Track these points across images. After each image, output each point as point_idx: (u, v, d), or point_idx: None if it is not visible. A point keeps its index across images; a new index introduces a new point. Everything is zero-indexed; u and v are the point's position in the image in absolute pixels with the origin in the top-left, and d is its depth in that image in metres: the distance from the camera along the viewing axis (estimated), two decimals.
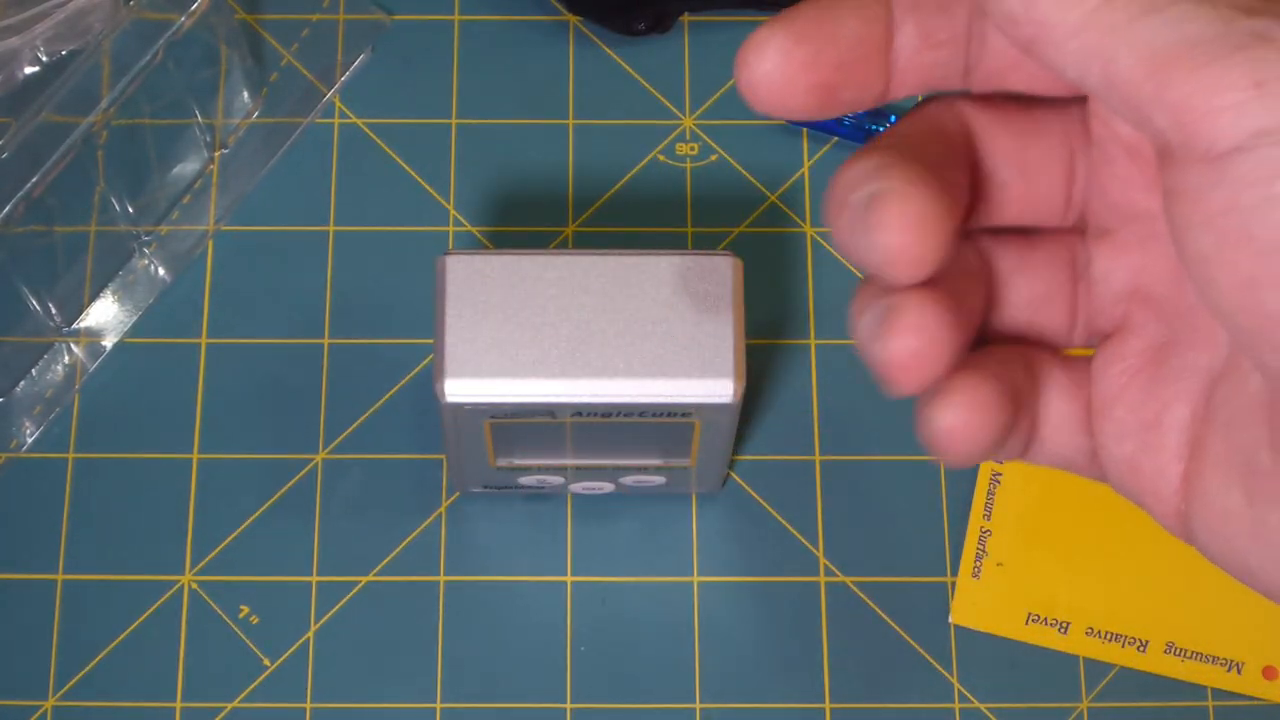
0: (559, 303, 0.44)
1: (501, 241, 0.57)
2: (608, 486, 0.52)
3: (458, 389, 0.43)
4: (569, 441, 0.47)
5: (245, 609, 0.53)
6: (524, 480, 0.51)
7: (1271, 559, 0.25)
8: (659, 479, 0.51)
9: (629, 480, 0.51)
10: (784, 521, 0.54)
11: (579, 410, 0.44)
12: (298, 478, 0.54)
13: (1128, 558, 0.54)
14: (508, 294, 0.44)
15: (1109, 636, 0.53)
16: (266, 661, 0.52)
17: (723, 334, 0.43)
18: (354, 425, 0.54)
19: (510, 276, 0.44)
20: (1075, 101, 0.28)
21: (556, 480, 0.51)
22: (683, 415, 0.45)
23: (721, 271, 0.44)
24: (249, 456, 0.54)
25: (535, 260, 0.44)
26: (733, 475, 0.54)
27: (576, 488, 0.52)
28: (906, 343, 0.27)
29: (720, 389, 0.44)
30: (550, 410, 0.44)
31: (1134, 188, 0.27)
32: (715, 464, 0.50)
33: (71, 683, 0.52)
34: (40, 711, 0.51)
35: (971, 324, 0.28)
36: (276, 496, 0.54)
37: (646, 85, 0.59)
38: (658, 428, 0.46)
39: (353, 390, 0.55)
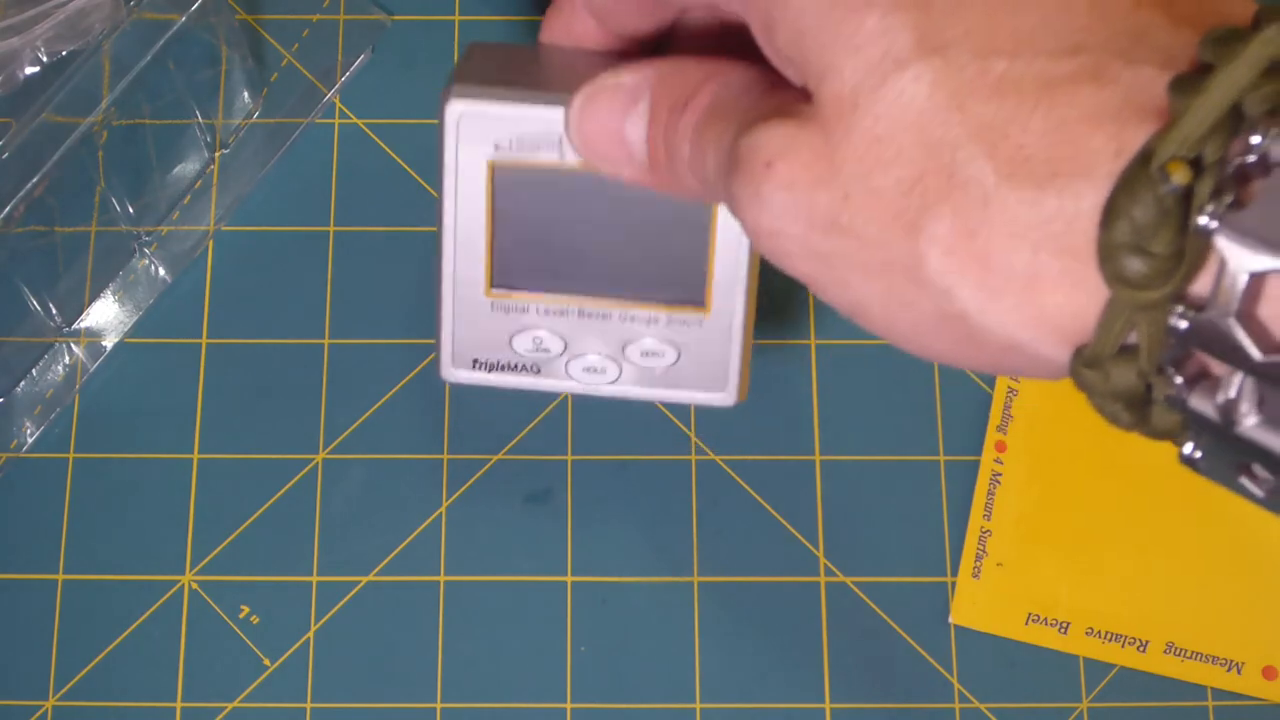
0: (570, 67, 0.41)
1: None
2: (612, 369, 0.45)
3: (465, 100, 0.40)
4: (573, 261, 0.43)
5: (245, 609, 0.53)
6: (519, 343, 0.45)
7: None
8: (668, 352, 0.45)
9: (636, 353, 0.45)
10: (784, 521, 0.54)
11: None
12: (298, 478, 0.54)
13: (1128, 558, 0.54)
14: (517, 62, 0.42)
15: (1109, 636, 0.53)
16: (266, 661, 0.52)
17: None
18: (354, 425, 0.54)
19: (521, 53, 0.43)
20: None
21: (555, 345, 0.45)
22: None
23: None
24: (249, 456, 0.54)
25: (548, 49, 0.42)
26: (732, 474, 0.54)
27: (576, 367, 0.46)
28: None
29: None
30: (559, 137, 0.40)
31: None
32: (733, 329, 0.44)
33: (71, 683, 0.52)
34: (40, 711, 0.51)
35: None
36: (276, 496, 0.54)
37: None
38: (670, 237, 0.43)
39: (353, 390, 0.55)
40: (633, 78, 0.36)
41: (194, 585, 0.53)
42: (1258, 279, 0.26)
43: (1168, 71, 0.27)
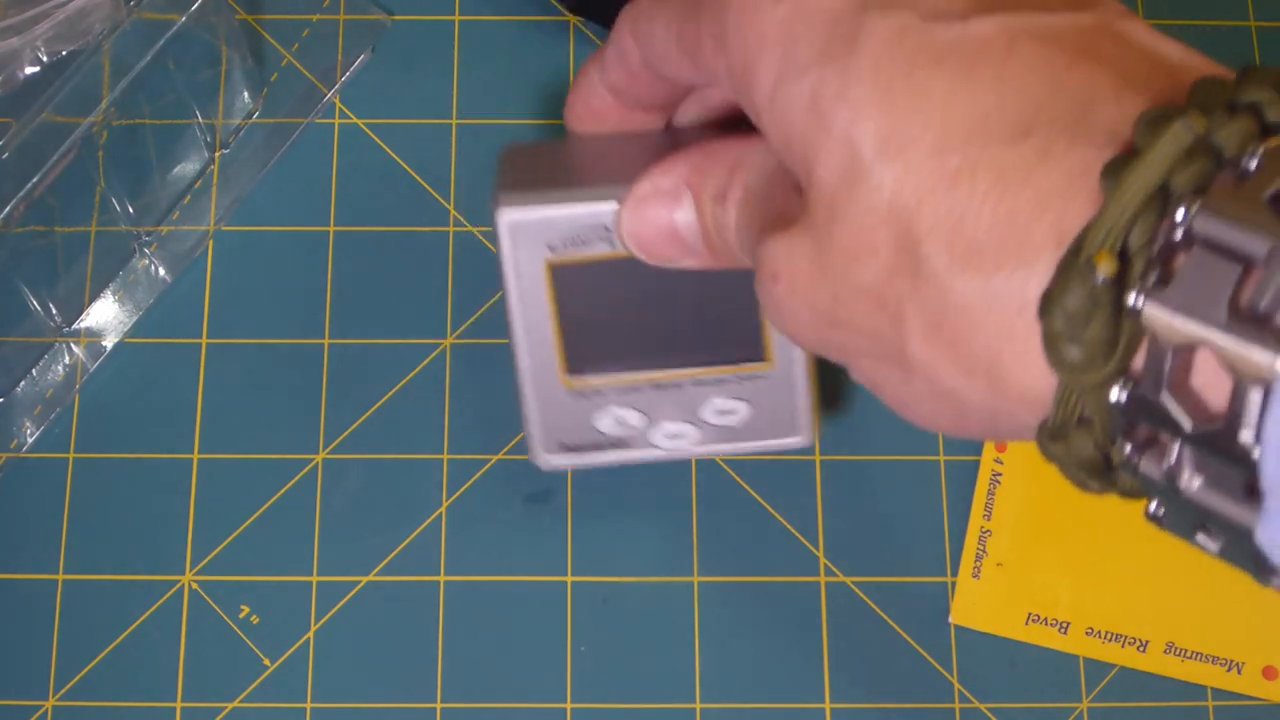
0: (610, 158, 0.43)
1: None
2: (692, 432, 0.48)
3: (515, 207, 0.43)
4: (638, 338, 0.46)
5: (245, 609, 0.53)
6: (602, 424, 0.47)
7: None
8: (741, 408, 0.47)
9: (711, 413, 0.47)
10: (784, 521, 0.54)
11: None
12: (298, 478, 0.54)
13: (1128, 558, 0.54)
14: (560, 158, 0.44)
15: (1109, 636, 0.53)
16: (266, 661, 0.52)
17: None
18: (354, 425, 0.54)
19: (562, 147, 0.45)
20: None
21: (638, 421, 0.47)
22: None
23: None
24: (249, 456, 0.54)
25: (584, 139, 0.44)
26: (732, 475, 0.54)
27: (659, 437, 0.48)
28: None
29: None
30: (606, 226, 0.43)
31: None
32: (797, 378, 0.47)
33: (71, 683, 0.52)
34: (40, 711, 0.51)
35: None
36: (276, 496, 0.54)
37: None
38: (721, 301, 0.45)
39: (353, 390, 0.55)
40: (668, 179, 0.39)
41: (194, 585, 0.53)
42: (1185, 350, 0.28)
43: (1106, 151, 0.29)
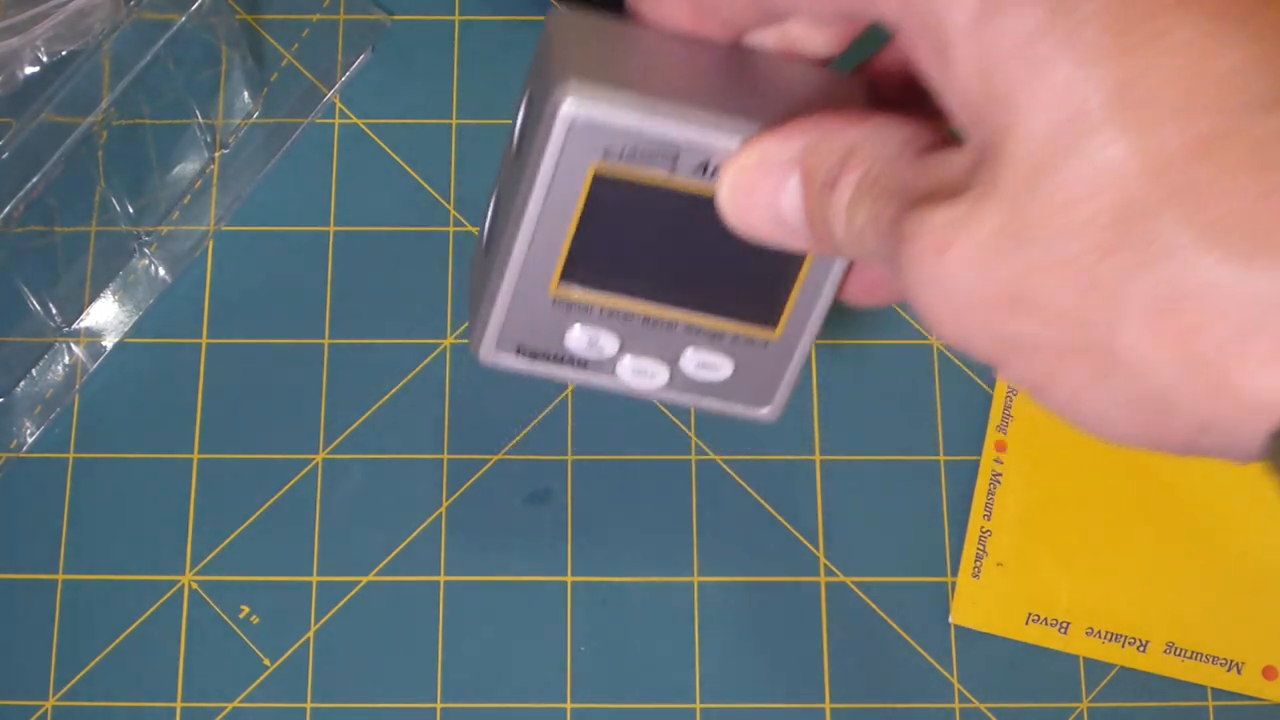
0: (682, 62, 0.38)
1: None
2: (662, 375, 0.43)
3: (584, 96, 0.36)
4: (653, 266, 0.41)
5: (245, 609, 0.53)
6: (571, 341, 0.42)
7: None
8: (725, 365, 0.43)
9: (691, 364, 0.43)
10: (784, 521, 0.54)
11: (707, 162, 0.37)
12: (298, 478, 0.54)
13: (1128, 558, 0.54)
14: (628, 46, 0.38)
15: (1109, 636, 0.53)
16: (266, 661, 0.52)
17: None
18: (354, 425, 0.54)
19: (628, 34, 0.38)
20: None
21: (610, 346, 0.42)
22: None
23: (854, 92, 0.38)
24: (249, 456, 0.54)
25: (651, 31, 0.38)
26: (732, 475, 0.54)
27: (625, 369, 0.43)
28: None
29: None
30: (676, 151, 0.37)
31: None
32: (796, 349, 0.43)
33: (71, 683, 0.52)
34: (40, 711, 0.51)
35: None
36: (276, 496, 0.54)
37: None
38: (768, 250, 0.39)
39: (353, 390, 0.55)
40: (779, 150, 0.34)
41: (194, 585, 0.53)
42: None
43: None
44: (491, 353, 0.42)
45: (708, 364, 0.43)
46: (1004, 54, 0.28)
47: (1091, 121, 0.27)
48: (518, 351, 0.42)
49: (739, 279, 0.41)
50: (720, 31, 0.37)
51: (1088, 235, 0.27)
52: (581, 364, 0.43)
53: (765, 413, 0.44)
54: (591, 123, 0.36)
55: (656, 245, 0.40)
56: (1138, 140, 0.26)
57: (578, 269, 0.40)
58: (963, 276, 0.29)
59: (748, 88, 0.38)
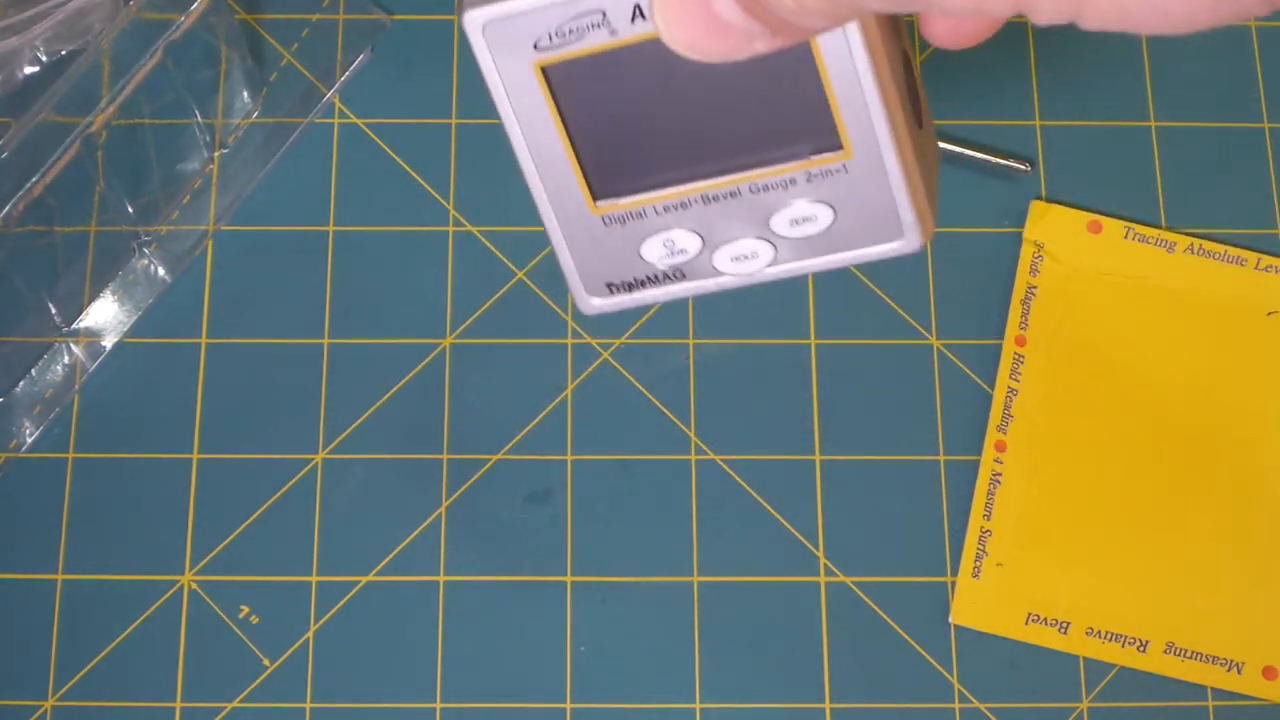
0: None
1: (503, 241, 0.57)
2: (765, 250, 0.39)
3: (479, 6, 0.34)
4: (671, 138, 0.37)
5: (245, 609, 0.53)
6: (649, 251, 0.39)
7: None
8: (821, 212, 0.38)
9: (784, 222, 0.38)
10: (784, 521, 0.54)
11: (637, 4, 0.34)
12: (298, 478, 0.54)
13: (1128, 558, 0.54)
14: None
15: (1109, 636, 0.53)
16: (266, 661, 0.52)
17: None
18: (354, 425, 0.54)
19: None
20: None
21: (692, 243, 0.39)
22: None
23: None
24: (249, 456, 0.54)
25: None
26: (732, 474, 0.54)
27: (723, 261, 0.39)
28: None
29: None
30: (601, 9, 0.34)
31: None
32: (888, 161, 0.38)
33: (71, 683, 0.52)
34: (40, 711, 0.51)
35: None
36: (276, 496, 0.54)
37: None
38: (772, 80, 0.36)
39: (353, 390, 0.55)
40: None
41: (194, 585, 0.53)
42: None
43: None
44: (589, 303, 0.39)
45: (803, 217, 0.38)
46: None
47: None
48: (611, 290, 0.40)
49: (768, 114, 0.37)
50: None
51: None
52: (679, 275, 0.39)
53: (903, 243, 0.38)
54: (500, 21, 0.34)
55: (658, 114, 0.37)
56: None
57: (600, 176, 0.38)
58: None
59: None
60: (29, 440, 0.54)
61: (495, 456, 0.54)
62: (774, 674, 0.52)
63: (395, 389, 0.55)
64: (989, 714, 0.52)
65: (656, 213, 0.38)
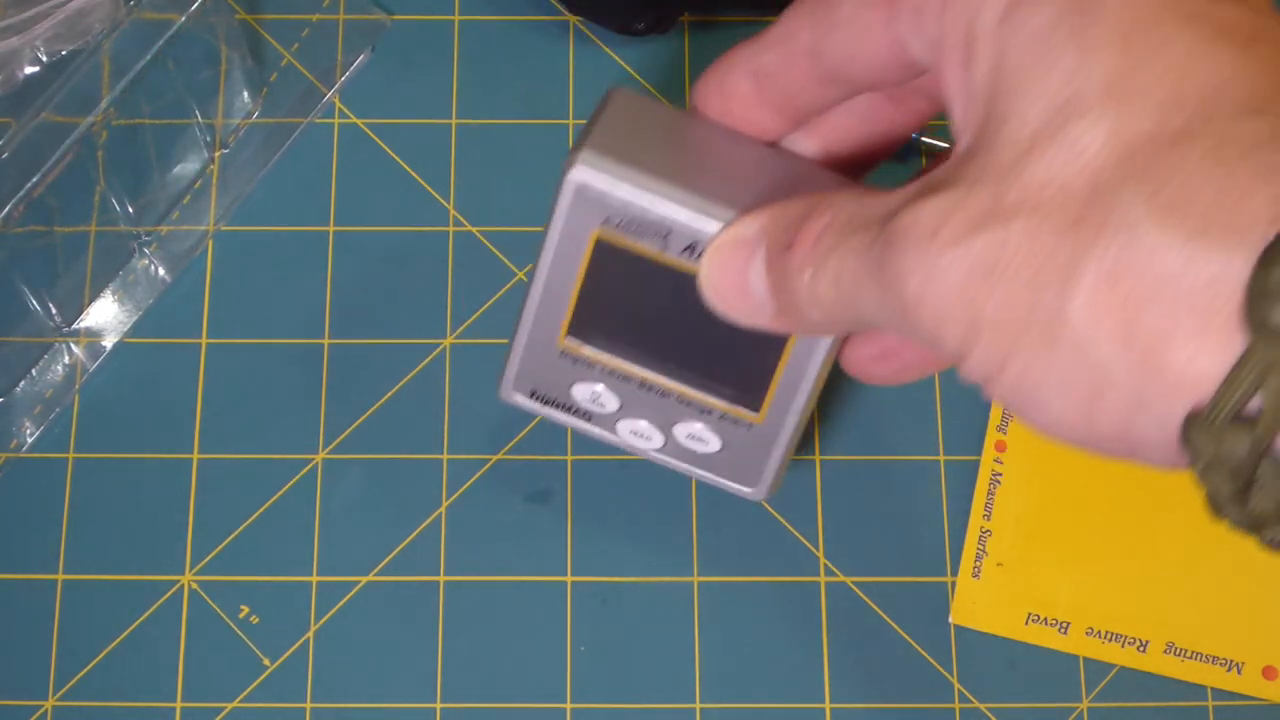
0: (708, 153, 0.41)
1: (503, 241, 0.57)
2: (656, 440, 0.47)
3: (591, 166, 0.40)
4: (649, 334, 0.44)
5: (245, 609, 0.53)
6: (577, 392, 0.46)
7: None
8: (713, 441, 0.46)
9: (682, 433, 0.47)
10: (784, 521, 0.54)
11: (695, 243, 0.41)
12: (298, 478, 0.54)
13: (1128, 558, 0.54)
14: (663, 132, 0.41)
15: (1109, 636, 0.53)
16: (266, 661, 0.52)
17: None
18: (354, 425, 0.54)
19: (671, 121, 0.41)
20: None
21: (611, 403, 0.46)
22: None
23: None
24: (249, 456, 0.54)
25: (699, 121, 0.41)
26: None
27: (624, 429, 0.47)
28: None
29: None
30: (667, 229, 0.40)
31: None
32: (782, 433, 0.46)
33: (71, 683, 0.52)
34: (40, 711, 0.51)
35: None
36: (276, 496, 0.54)
37: (646, 85, 0.59)
38: (750, 335, 0.42)
39: (353, 390, 0.55)
40: (751, 230, 0.37)
41: (194, 585, 0.53)
42: None
43: None
44: (510, 393, 0.47)
45: (697, 436, 0.47)
46: (1020, 43, 0.30)
47: (1081, 106, 0.29)
48: (532, 395, 0.47)
49: (724, 360, 0.45)
50: (778, 118, 0.39)
51: (1057, 209, 0.29)
52: (586, 415, 0.47)
53: (751, 492, 0.47)
54: (594, 191, 0.40)
55: (651, 315, 0.43)
56: (1118, 126, 0.29)
57: (582, 326, 0.44)
58: (951, 253, 0.30)
59: (753, 180, 0.40)
60: (29, 440, 0.54)
61: (495, 456, 0.54)
62: (774, 674, 0.52)
63: (395, 389, 0.55)
64: (989, 714, 0.52)
65: (602, 370, 0.45)
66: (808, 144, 0.41)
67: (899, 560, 0.54)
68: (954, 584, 0.53)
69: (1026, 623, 0.53)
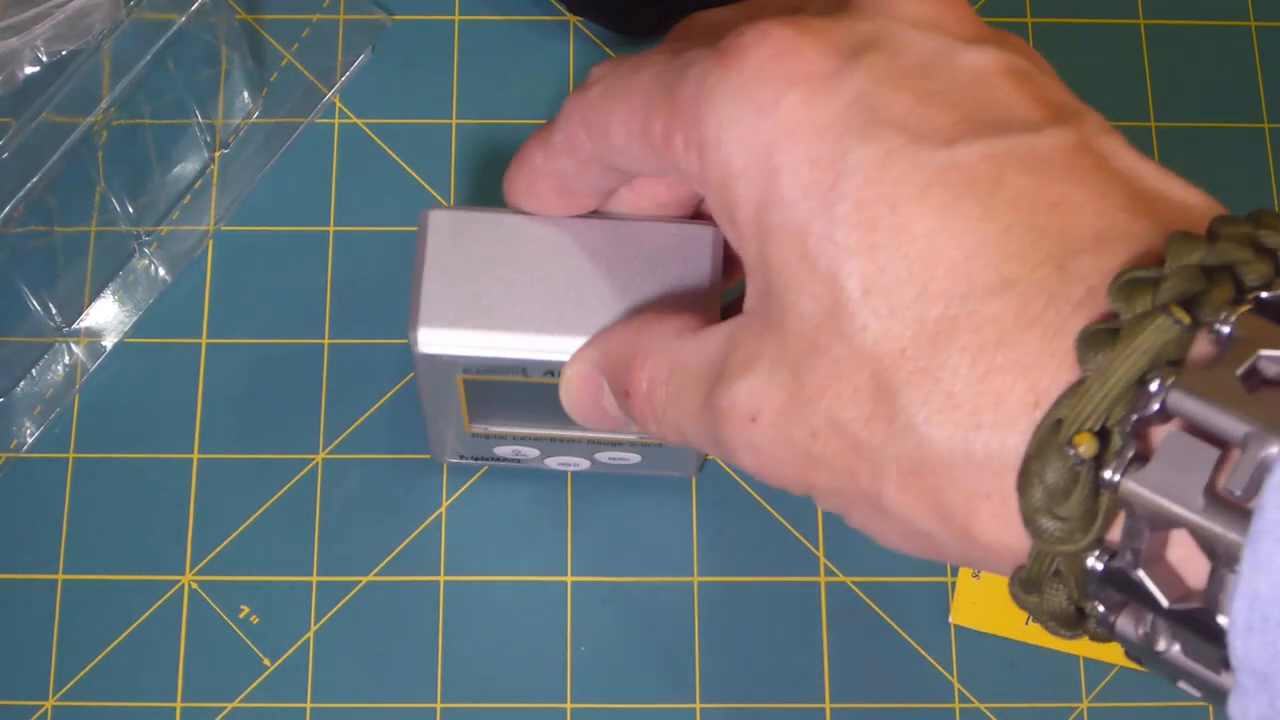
0: (539, 261, 0.43)
1: None
2: (583, 464, 0.52)
3: (431, 339, 0.43)
4: (544, 409, 0.46)
5: (245, 609, 0.53)
6: (499, 450, 0.51)
7: None
8: (634, 456, 0.50)
9: (604, 457, 0.51)
10: (784, 521, 0.54)
11: (550, 369, 0.43)
12: (298, 478, 0.54)
13: None
14: (488, 250, 0.43)
15: None
16: (266, 661, 0.52)
17: (701, 304, 0.43)
18: (354, 425, 0.54)
19: (492, 233, 0.43)
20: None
21: (532, 453, 0.51)
22: None
23: (703, 241, 0.43)
24: (249, 456, 0.54)
25: (518, 219, 0.43)
26: (732, 475, 0.54)
27: (552, 462, 0.52)
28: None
29: None
30: (523, 367, 0.43)
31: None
32: (689, 450, 0.50)
33: (71, 683, 0.52)
34: (40, 711, 0.51)
35: None
36: (276, 496, 0.54)
37: None
38: None
39: (353, 390, 0.55)
40: (588, 366, 0.41)
41: (194, 585, 0.53)
42: (1163, 527, 0.28)
43: (1081, 313, 0.29)
44: (442, 458, 0.53)
45: (619, 459, 0.51)
46: (779, 245, 0.32)
47: (849, 310, 0.31)
48: (462, 457, 0.52)
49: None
50: (586, 203, 0.42)
51: (852, 406, 0.31)
52: (514, 461, 0.52)
53: (683, 474, 0.53)
54: (444, 357, 0.43)
55: (540, 407, 0.46)
56: (884, 327, 0.31)
57: (479, 417, 0.48)
58: (770, 439, 0.33)
59: (585, 285, 0.43)
60: (29, 440, 0.54)
61: None
62: (773, 674, 0.52)
63: (395, 389, 0.55)
64: (989, 714, 0.52)
65: (513, 438, 0.50)
66: (629, 200, 0.42)
67: (899, 560, 0.53)
68: (954, 584, 0.53)
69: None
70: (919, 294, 0.30)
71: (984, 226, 0.30)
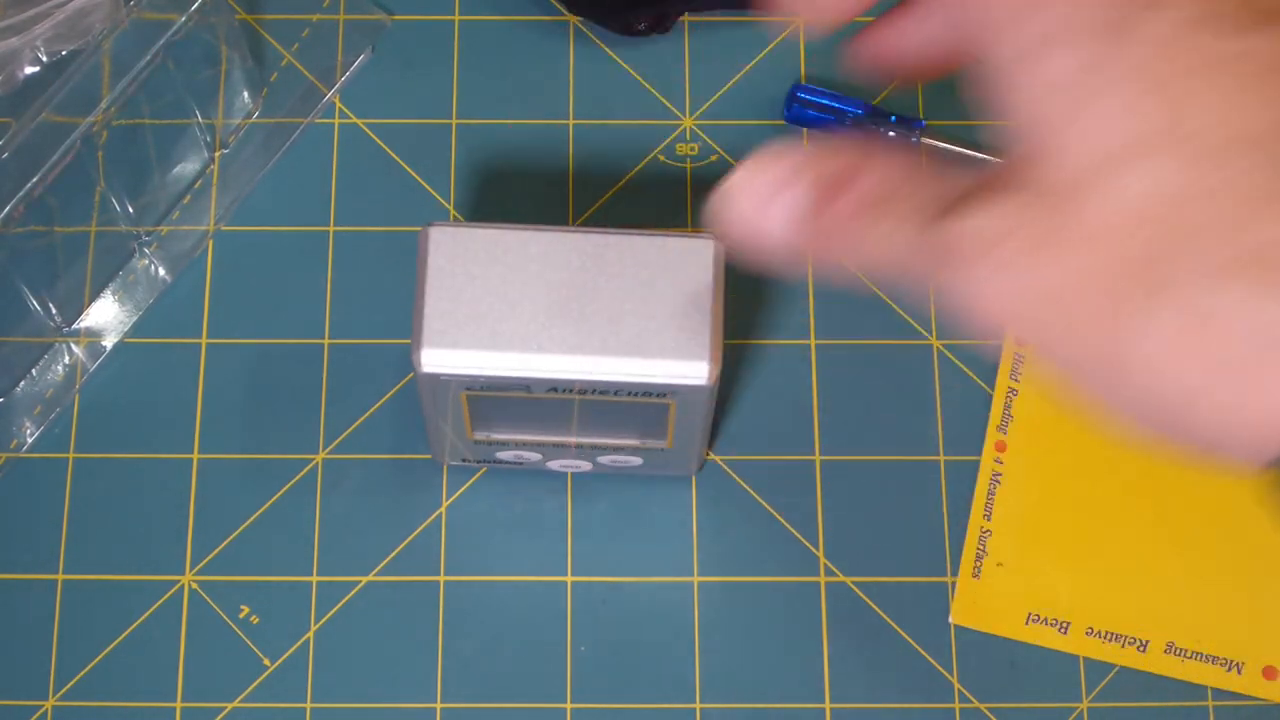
0: (539, 278, 0.43)
1: None
2: (585, 465, 0.52)
3: (434, 359, 0.43)
4: (546, 418, 0.47)
5: (245, 609, 0.53)
6: (501, 455, 0.51)
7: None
8: (635, 459, 0.51)
9: (606, 460, 0.51)
10: (784, 521, 0.54)
11: (554, 386, 0.44)
12: (298, 478, 0.54)
13: (1128, 558, 0.54)
14: (489, 267, 0.44)
15: (1109, 636, 0.53)
16: (266, 661, 0.52)
17: (701, 316, 0.43)
18: (354, 425, 0.54)
19: (492, 250, 0.44)
20: None
21: (534, 456, 0.51)
22: (658, 396, 0.45)
23: (703, 253, 0.43)
24: (249, 456, 0.54)
25: (518, 235, 0.44)
26: (732, 475, 0.54)
27: (554, 465, 0.52)
28: None
29: (696, 371, 0.44)
30: (526, 385, 0.43)
31: None
32: (692, 446, 0.50)
33: (71, 683, 0.52)
34: (40, 711, 0.51)
35: None
36: (276, 496, 0.54)
37: (646, 85, 0.59)
38: (633, 407, 0.46)
39: (353, 390, 0.55)
40: (784, 161, 0.35)
41: (194, 585, 0.53)
42: None
43: None
44: (448, 462, 0.53)
45: (620, 461, 0.51)
46: (1063, 77, 0.30)
47: (1140, 148, 0.29)
48: (464, 461, 0.52)
49: (624, 426, 0.48)
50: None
51: (1120, 256, 0.29)
52: (517, 464, 0.52)
53: (683, 471, 0.53)
54: (446, 375, 0.43)
55: (542, 416, 0.47)
56: (1180, 171, 0.29)
57: (482, 427, 0.49)
58: (1007, 273, 0.31)
59: (592, 303, 0.43)
60: (29, 440, 0.54)
61: None
62: (774, 674, 0.52)
63: (395, 389, 0.55)
64: (989, 714, 0.52)
65: (515, 444, 0.50)
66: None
67: (899, 560, 0.53)
68: (954, 584, 0.53)
69: (1026, 623, 0.53)
70: (1220, 145, 0.29)
71: (1271, 110, 0.29)
